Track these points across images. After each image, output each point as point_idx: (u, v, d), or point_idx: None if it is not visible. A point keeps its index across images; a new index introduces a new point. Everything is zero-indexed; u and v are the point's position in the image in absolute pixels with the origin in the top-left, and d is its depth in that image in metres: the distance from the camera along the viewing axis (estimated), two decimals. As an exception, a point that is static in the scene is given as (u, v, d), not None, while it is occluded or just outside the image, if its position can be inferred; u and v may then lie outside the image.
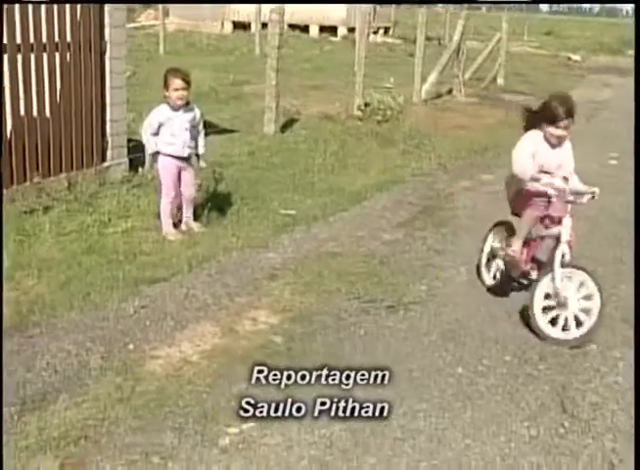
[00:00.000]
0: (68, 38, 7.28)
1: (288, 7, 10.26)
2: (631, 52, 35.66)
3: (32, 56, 6.94)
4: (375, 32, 35.05)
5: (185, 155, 6.51)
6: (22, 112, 6.93)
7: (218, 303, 5.18)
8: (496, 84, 19.44)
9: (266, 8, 13.01)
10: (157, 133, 6.41)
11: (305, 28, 33.98)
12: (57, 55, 7.21)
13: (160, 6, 27.99)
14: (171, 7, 34.58)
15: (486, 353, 4.65)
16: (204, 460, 3.45)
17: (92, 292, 5.17)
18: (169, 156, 6.45)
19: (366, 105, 13.26)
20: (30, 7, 6.83)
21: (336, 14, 34.61)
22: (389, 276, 5.84)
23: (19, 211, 6.57)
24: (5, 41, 6.63)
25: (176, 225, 6.61)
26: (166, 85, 6.33)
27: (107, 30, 7.67)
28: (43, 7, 6.98)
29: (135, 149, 8.43)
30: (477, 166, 10.13)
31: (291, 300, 5.28)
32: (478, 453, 3.62)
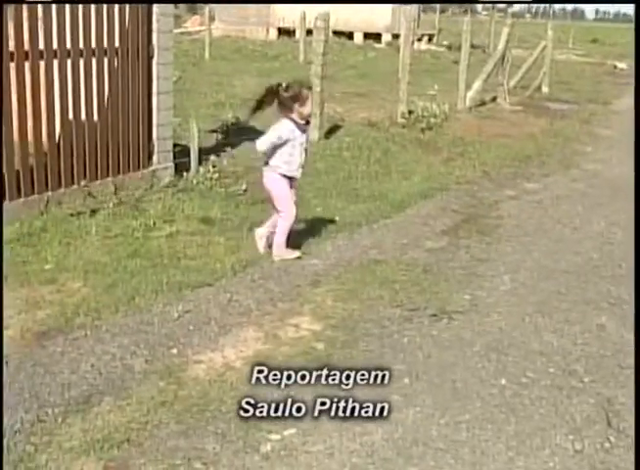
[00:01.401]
0: (117, 44, 7.33)
1: (332, 14, 10.23)
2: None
3: (81, 61, 7.00)
4: (419, 39, 34.99)
5: (298, 176, 6.21)
6: (71, 116, 6.99)
7: (261, 308, 5.17)
8: (541, 92, 19.25)
9: (311, 14, 13.01)
10: (274, 151, 5.98)
11: (350, 35, 33.99)
12: (105, 60, 7.26)
13: (207, 11, 28.21)
14: (217, 12, 34.83)
15: (530, 365, 4.58)
16: (245, 466, 3.44)
17: (137, 295, 5.19)
18: (285, 176, 6.10)
19: (410, 112, 13.21)
20: (80, 12, 6.89)
21: (380, 20, 34.62)
22: (433, 284, 5.78)
23: (65, 214, 6.64)
24: (55, 46, 6.70)
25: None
26: (299, 100, 5.85)
27: (154, 36, 7.72)
28: (93, 12, 7.04)
29: (181, 153, 8.49)
30: (521, 175, 10.01)
31: (333, 306, 5.26)
32: (521, 467, 3.56)
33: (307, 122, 6.14)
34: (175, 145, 8.46)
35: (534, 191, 9.15)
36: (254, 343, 4.64)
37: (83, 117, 7.13)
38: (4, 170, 6.38)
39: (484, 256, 6.61)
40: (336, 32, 31.49)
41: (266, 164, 6.12)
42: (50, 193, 6.75)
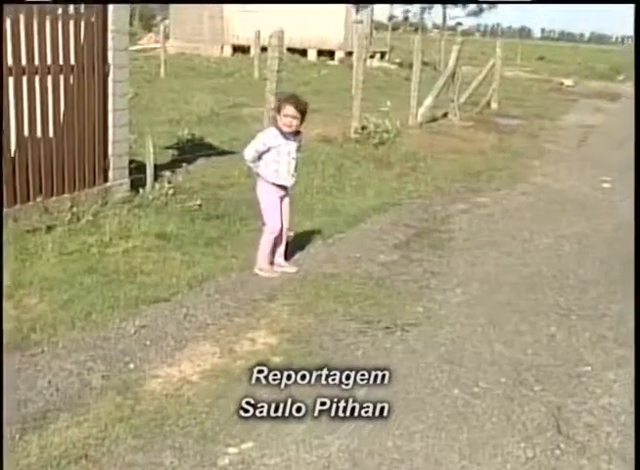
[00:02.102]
0: (72, 61, 7.29)
1: (287, 31, 10.27)
2: (621, 77, 35.93)
3: (37, 78, 6.94)
4: (371, 57, 35.21)
5: (289, 184, 6.23)
6: (27, 132, 6.92)
7: (217, 323, 5.16)
8: (490, 108, 19.48)
9: (265, 32, 13.06)
10: (260, 158, 6.08)
11: (304, 52, 34.10)
12: (61, 77, 7.21)
13: (162, 29, 28.15)
14: (172, 30, 34.75)
15: (482, 375, 4.63)
16: (203, 480, 3.43)
17: (93, 311, 5.15)
18: (273, 184, 6.15)
19: (363, 128, 13.28)
20: (36, 29, 6.84)
21: (333, 38, 34.80)
22: (386, 298, 5.82)
23: (21, 231, 6.56)
24: (10, 63, 6.64)
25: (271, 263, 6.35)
26: (279, 110, 5.99)
27: (110, 53, 7.67)
28: (48, 29, 6.99)
29: (136, 170, 8.45)
30: (471, 189, 10.12)
31: (289, 320, 5.27)
32: (474, 475, 3.60)
33: (298, 133, 6.13)
34: (131, 161, 8.41)
35: (485, 205, 9.25)
36: (211, 357, 4.63)
37: (39, 133, 7.06)
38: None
39: (436, 269, 6.67)
40: (290, 49, 31.66)
41: (257, 174, 6.19)
42: (6, 209, 6.68)
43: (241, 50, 33.55)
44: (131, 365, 4.46)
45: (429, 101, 15.88)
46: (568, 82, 30.43)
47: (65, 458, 3.49)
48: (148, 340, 4.82)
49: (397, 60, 35.95)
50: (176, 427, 3.82)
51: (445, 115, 16.98)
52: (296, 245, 6.94)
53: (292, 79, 21.14)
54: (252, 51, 27.15)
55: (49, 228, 6.78)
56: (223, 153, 11.02)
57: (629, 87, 32.21)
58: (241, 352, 4.72)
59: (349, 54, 29.64)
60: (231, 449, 3.65)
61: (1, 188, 6.43)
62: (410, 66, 19.43)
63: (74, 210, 7.24)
